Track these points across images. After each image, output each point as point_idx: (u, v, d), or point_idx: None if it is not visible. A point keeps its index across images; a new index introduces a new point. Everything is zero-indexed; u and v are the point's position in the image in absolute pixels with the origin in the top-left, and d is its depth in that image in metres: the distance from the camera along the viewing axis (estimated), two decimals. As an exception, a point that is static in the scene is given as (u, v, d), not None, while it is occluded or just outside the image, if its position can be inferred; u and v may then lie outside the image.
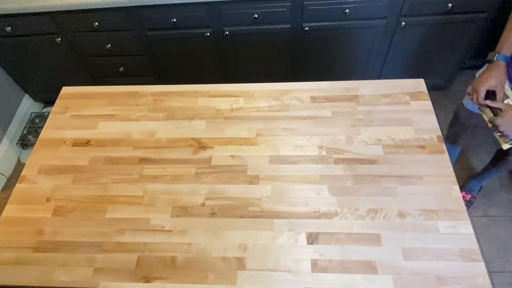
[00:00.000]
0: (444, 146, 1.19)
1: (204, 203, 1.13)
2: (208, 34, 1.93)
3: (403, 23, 1.84)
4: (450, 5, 1.74)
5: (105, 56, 2.12)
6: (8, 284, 1.04)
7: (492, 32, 2.16)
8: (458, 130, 1.69)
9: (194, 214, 1.11)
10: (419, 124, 1.24)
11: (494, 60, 1.17)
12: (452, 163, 1.18)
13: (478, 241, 1.00)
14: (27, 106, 2.52)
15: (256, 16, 1.83)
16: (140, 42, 2.01)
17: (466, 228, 1.02)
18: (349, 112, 1.30)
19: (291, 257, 1.01)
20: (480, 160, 2.08)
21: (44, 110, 2.59)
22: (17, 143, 2.39)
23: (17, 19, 1.88)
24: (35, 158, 1.28)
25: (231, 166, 1.20)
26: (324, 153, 1.21)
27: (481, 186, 1.92)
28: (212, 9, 1.82)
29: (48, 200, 1.18)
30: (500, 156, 1.62)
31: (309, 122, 1.29)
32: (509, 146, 1.18)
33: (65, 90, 1.49)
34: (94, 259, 1.05)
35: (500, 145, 1.22)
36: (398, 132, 1.23)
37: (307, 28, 1.88)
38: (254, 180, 1.16)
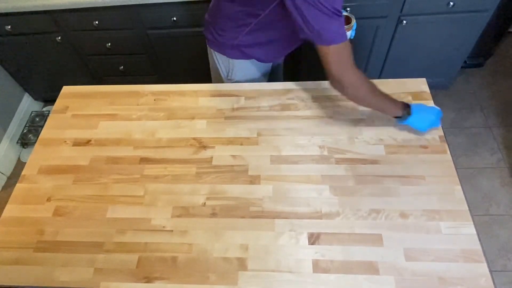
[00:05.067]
0: (446, 146, 1.18)
1: (205, 203, 1.13)
2: (209, 33, 1.92)
3: (404, 22, 1.83)
4: (451, 3, 1.74)
5: (105, 55, 2.11)
6: (8, 284, 1.04)
7: (493, 31, 2.16)
8: None
9: (195, 214, 1.11)
10: (421, 124, 1.24)
11: None
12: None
13: (479, 240, 0.99)
14: (27, 105, 2.51)
15: (257, 15, 1.82)
16: (140, 41, 2.01)
17: (468, 229, 1.02)
18: (350, 112, 1.29)
19: (293, 258, 1.01)
20: (483, 158, 2.08)
21: (44, 109, 2.59)
22: (17, 142, 2.38)
23: (17, 18, 1.88)
24: (35, 158, 1.28)
25: (232, 166, 1.20)
26: (325, 153, 1.20)
27: None
28: (212, 8, 1.81)
29: (48, 200, 1.17)
30: None
31: (311, 121, 1.28)
32: None
33: (66, 89, 1.48)
34: (95, 259, 1.05)
35: None
36: (400, 132, 1.23)
37: (308, 27, 1.87)
38: (255, 180, 1.16)
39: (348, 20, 1.28)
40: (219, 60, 1.37)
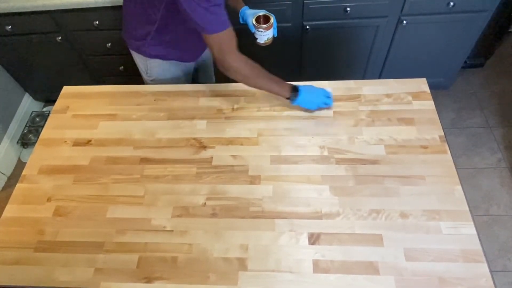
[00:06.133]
0: (446, 146, 1.18)
1: (205, 203, 1.13)
2: (209, 33, 1.92)
3: (404, 22, 1.83)
4: (451, 3, 1.73)
5: (105, 55, 2.11)
6: (8, 284, 1.04)
7: (493, 31, 2.16)
8: None
9: (195, 214, 1.11)
10: (422, 124, 1.24)
11: None
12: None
13: (479, 240, 0.99)
14: (28, 105, 2.51)
15: (257, 15, 1.82)
16: (141, 41, 2.00)
17: (468, 229, 1.02)
18: (351, 112, 1.29)
19: (293, 258, 1.01)
20: (483, 158, 2.08)
21: (44, 109, 2.59)
22: (17, 142, 2.38)
23: (17, 18, 1.88)
24: (35, 158, 1.28)
25: (232, 166, 1.20)
26: (325, 153, 1.20)
27: None
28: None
29: (48, 200, 1.17)
30: None
31: (311, 121, 1.28)
32: None
33: (66, 89, 1.48)
34: (95, 259, 1.05)
35: None
36: (400, 132, 1.23)
37: (308, 27, 1.87)
38: (255, 180, 1.16)
39: (267, 20, 1.30)
40: (137, 59, 1.43)
